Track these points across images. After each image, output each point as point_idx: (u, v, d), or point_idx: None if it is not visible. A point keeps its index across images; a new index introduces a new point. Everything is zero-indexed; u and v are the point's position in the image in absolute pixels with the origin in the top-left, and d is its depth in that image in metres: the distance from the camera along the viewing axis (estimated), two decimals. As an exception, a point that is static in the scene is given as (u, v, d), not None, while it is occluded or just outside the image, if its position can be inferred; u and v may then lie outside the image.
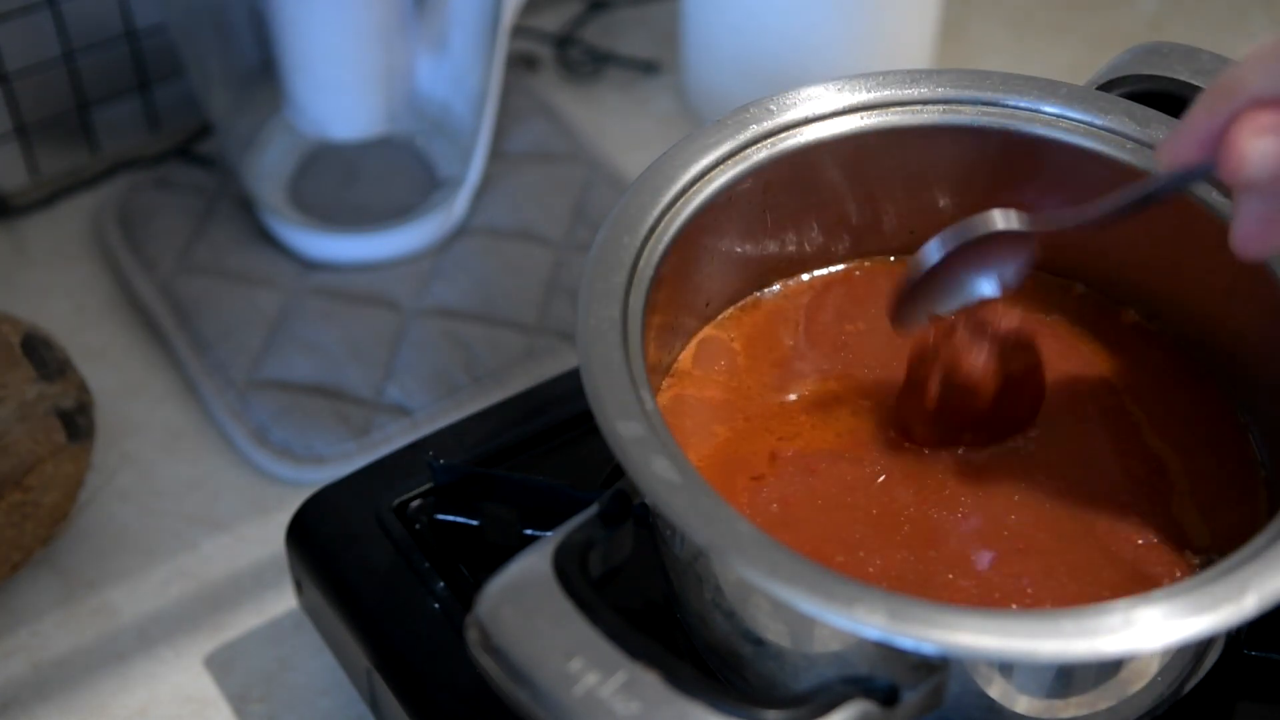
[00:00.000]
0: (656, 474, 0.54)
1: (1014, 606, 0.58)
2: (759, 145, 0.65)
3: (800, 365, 0.66)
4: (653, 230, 0.62)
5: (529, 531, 0.66)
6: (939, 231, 0.61)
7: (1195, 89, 0.67)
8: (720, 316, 0.68)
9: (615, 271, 0.60)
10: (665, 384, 0.65)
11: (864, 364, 0.66)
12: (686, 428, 0.64)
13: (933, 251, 0.61)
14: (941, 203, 0.69)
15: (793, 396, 0.65)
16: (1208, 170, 0.55)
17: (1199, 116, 0.54)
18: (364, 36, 0.86)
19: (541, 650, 0.52)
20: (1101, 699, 0.57)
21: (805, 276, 0.70)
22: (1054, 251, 0.69)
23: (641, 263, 0.61)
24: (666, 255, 0.62)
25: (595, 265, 0.60)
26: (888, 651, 0.53)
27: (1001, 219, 0.60)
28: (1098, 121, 0.65)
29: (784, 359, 0.67)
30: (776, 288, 0.69)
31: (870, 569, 0.59)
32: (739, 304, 0.69)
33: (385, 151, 0.92)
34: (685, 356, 0.67)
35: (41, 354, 0.75)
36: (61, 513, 0.75)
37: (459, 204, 0.90)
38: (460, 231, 0.91)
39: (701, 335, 0.67)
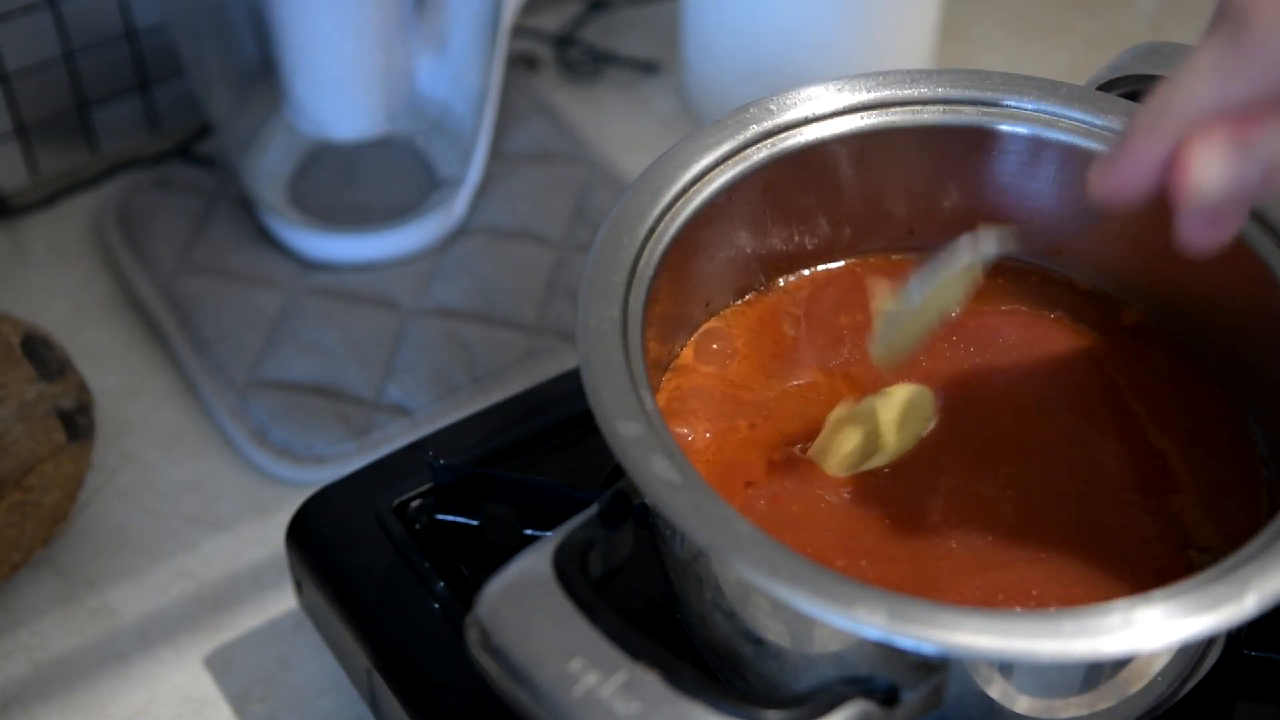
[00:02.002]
0: (656, 474, 0.54)
1: (1018, 609, 0.58)
2: (759, 145, 0.65)
3: (800, 359, 0.66)
4: (653, 230, 0.62)
5: (529, 531, 0.66)
6: (938, 231, 0.60)
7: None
8: (721, 312, 0.68)
9: (615, 271, 0.60)
10: (666, 379, 0.65)
11: (864, 359, 0.66)
12: (686, 425, 0.64)
13: (914, 295, 0.58)
14: (941, 202, 0.68)
15: (792, 390, 0.65)
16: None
17: (1140, 141, 0.50)
18: (364, 36, 0.86)
19: (541, 650, 0.52)
20: (1101, 699, 0.57)
21: (806, 272, 0.70)
22: (1055, 250, 0.69)
23: (641, 262, 0.61)
24: (667, 255, 0.62)
25: (595, 265, 0.60)
26: (888, 651, 0.53)
27: (968, 250, 0.58)
28: (1098, 121, 0.65)
29: (784, 353, 0.67)
30: (779, 284, 0.69)
31: (871, 573, 0.59)
32: (740, 300, 0.68)
33: (385, 151, 0.92)
34: (686, 353, 0.67)
35: (41, 354, 0.75)
36: (61, 513, 0.75)
37: (459, 204, 0.90)
38: (460, 231, 0.91)
39: (702, 331, 0.67)
